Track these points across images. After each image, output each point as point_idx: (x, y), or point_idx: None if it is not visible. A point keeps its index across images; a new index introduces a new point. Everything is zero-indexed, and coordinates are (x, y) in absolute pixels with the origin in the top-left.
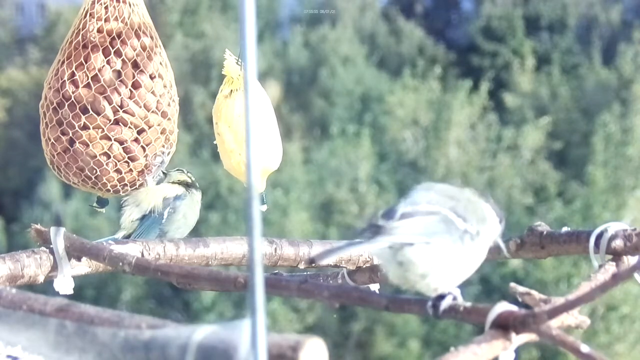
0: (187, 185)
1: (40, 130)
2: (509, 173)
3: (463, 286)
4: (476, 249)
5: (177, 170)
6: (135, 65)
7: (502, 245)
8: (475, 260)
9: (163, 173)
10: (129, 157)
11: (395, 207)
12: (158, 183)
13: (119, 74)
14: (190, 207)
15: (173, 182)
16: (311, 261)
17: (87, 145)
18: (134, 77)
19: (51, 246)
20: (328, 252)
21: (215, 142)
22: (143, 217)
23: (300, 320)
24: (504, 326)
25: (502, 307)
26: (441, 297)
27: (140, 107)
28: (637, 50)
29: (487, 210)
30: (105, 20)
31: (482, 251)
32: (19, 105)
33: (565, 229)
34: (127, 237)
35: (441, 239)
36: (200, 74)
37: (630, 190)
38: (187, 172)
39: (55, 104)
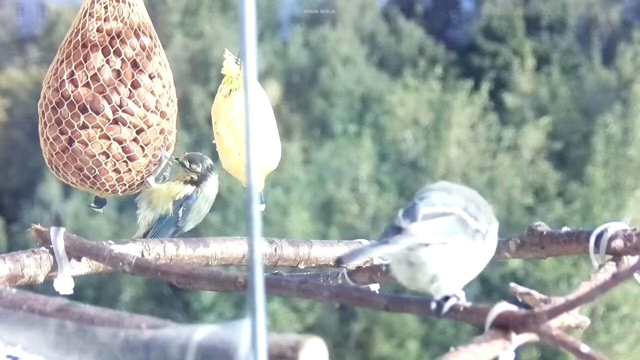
0: (194, 182)
1: (39, 130)
2: (509, 173)
3: (463, 286)
4: (485, 248)
5: (183, 166)
6: (135, 64)
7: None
8: (483, 259)
9: (163, 176)
10: (127, 157)
11: (415, 209)
12: (163, 181)
13: (118, 73)
14: (203, 200)
15: (180, 181)
16: (338, 261)
17: (86, 145)
18: (133, 76)
19: (51, 246)
20: (356, 253)
21: (214, 142)
22: (159, 218)
23: (300, 320)
24: (504, 326)
25: (502, 307)
26: (445, 298)
27: (140, 106)
28: (637, 50)
29: (491, 209)
30: (105, 20)
31: (490, 250)
32: (19, 105)
33: (565, 229)
34: (145, 234)
35: (457, 239)
36: (199, 74)
37: (630, 191)
38: (190, 165)
39: (54, 103)
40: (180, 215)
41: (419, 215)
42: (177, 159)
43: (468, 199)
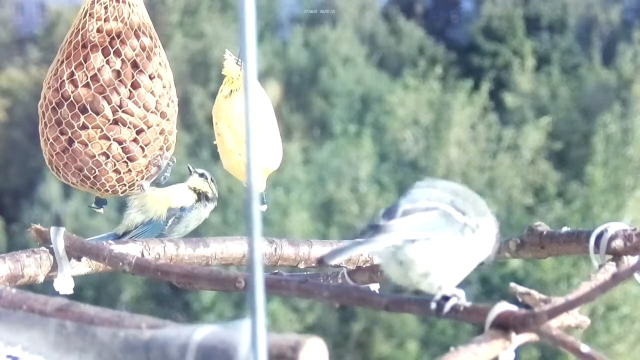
0: (200, 196)
1: (39, 130)
2: (509, 173)
3: (463, 286)
4: (477, 242)
5: (202, 176)
6: (135, 65)
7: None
8: (476, 253)
9: (164, 177)
10: (127, 157)
11: (396, 206)
12: (159, 186)
13: (118, 73)
14: (195, 218)
15: (189, 187)
16: (320, 261)
17: (86, 145)
18: (133, 77)
19: (51, 246)
20: (336, 252)
21: (215, 142)
22: (148, 221)
23: (300, 320)
24: (504, 326)
25: (502, 307)
26: (445, 298)
27: (140, 107)
28: (637, 50)
29: (485, 204)
30: (105, 20)
31: (483, 244)
32: (19, 105)
33: (565, 229)
34: (126, 234)
35: (442, 234)
36: (199, 74)
37: (630, 191)
38: (212, 180)
39: (54, 104)
40: (169, 224)
41: (398, 212)
42: (204, 173)
43: (455, 193)
